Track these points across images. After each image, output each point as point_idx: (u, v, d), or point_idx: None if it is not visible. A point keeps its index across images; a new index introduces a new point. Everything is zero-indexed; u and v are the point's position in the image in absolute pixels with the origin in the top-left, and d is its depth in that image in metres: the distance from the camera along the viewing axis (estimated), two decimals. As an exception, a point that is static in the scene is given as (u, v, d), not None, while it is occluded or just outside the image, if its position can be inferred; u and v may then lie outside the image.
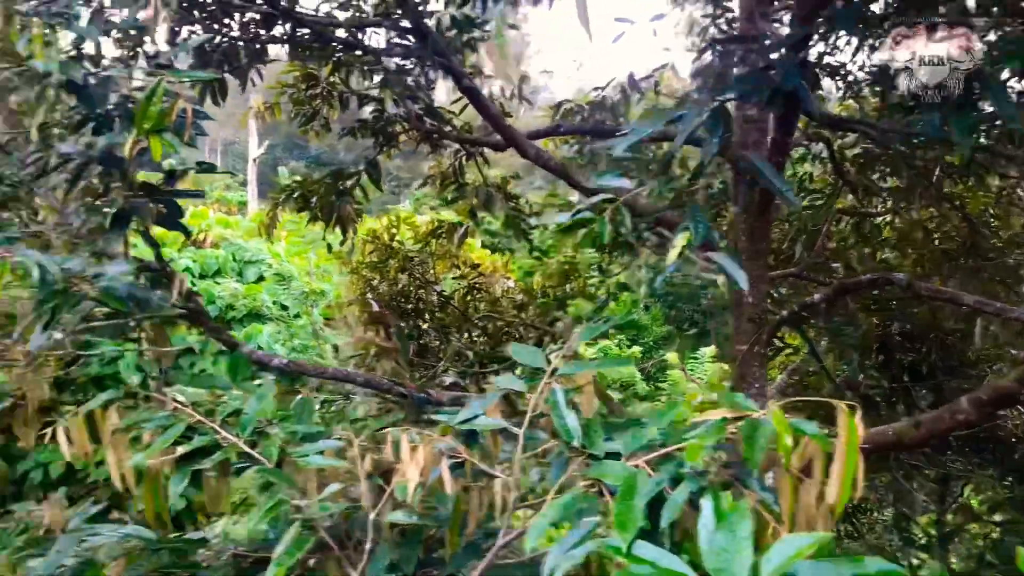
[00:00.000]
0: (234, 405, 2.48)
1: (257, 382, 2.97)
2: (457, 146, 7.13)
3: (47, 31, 2.76)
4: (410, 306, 7.89)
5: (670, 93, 7.24)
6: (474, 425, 2.13)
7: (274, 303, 13.28)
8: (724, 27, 7.04)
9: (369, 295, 7.61)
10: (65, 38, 3.37)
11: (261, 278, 13.83)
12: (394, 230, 7.91)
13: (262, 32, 6.12)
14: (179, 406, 2.37)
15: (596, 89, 6.91)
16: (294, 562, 2.08)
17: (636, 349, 16.04)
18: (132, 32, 3.98)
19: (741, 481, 1.71)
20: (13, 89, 2.79)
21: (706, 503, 1.59)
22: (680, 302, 19.08)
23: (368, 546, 2.22)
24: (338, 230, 6.88)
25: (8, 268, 2.54)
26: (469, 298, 8.00)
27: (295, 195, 6.89)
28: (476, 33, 6.75)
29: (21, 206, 8.22)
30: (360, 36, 6.07)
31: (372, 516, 2.22)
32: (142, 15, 2.94)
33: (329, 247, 7.05)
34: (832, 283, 5.90)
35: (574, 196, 8.42)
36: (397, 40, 6.26)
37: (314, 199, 6.72)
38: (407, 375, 4.27)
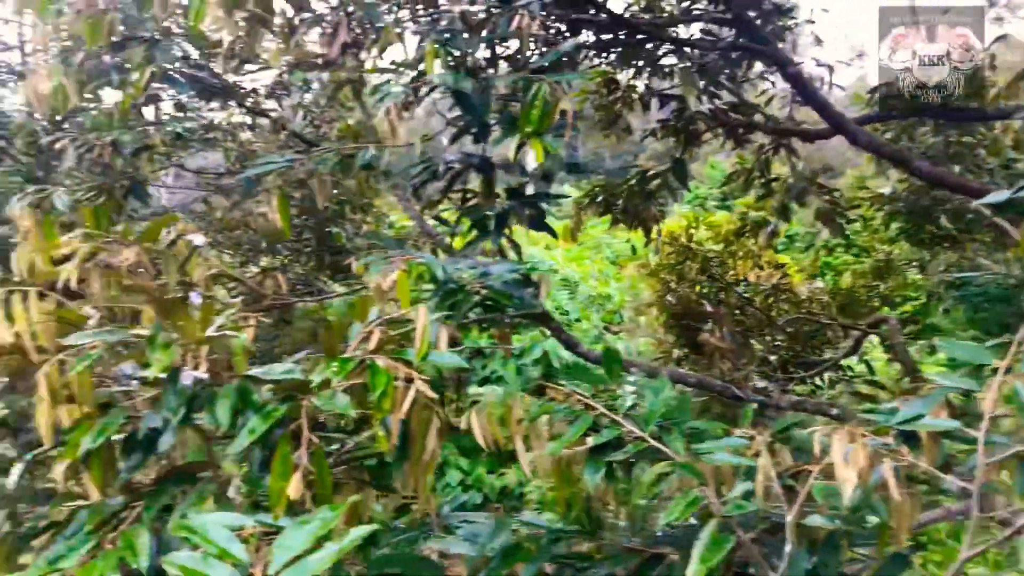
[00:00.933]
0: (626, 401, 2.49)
1: (631, 378, 2.99)
2: (762, 141, 6.85)
3: (438, 47, 2.96)
4: (710, 308, 7.69)
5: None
6: (918, 426, 1.95)
7: (556, 308, 13.63)
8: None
9: (669, 297, 7.53)
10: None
11: (542, 283, 14.26)
12: (692, 231, 7.76)
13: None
14: (581, 398, 2.41)
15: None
16: (718, 562, 2.02)
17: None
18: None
19: None
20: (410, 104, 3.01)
21: None
22: (990, 303, 17.16)
23: (787, 548, 2.11)
24: (639, 231, 6.87)
25: (416, 269, 2.74)
26: (772, 300, 7.66)
27: (598, 199, 6.97)
28: (781, 22, 6.47)
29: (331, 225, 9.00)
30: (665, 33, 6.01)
31: (789, 518, 2.11)
32: (512, 25, 3.06)
33: (633, 249, 7.07)
34: None
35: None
36: (701, 35, 6.14)
37: (619, 202, 6.75)
38: (743, 377, 4.12)
